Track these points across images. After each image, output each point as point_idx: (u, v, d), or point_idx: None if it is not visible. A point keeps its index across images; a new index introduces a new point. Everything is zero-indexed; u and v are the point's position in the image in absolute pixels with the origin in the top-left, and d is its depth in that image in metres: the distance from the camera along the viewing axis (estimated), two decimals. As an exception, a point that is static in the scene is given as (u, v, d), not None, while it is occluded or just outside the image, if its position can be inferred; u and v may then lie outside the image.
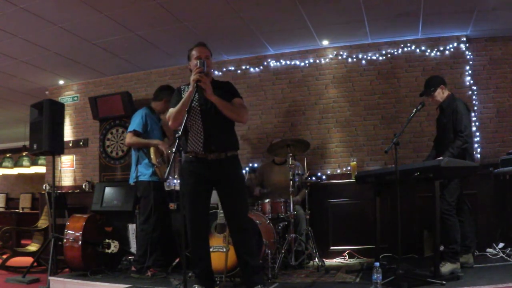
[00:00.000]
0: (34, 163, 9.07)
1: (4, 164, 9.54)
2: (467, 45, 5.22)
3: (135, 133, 4.17)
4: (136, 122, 4.20)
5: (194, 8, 4.47)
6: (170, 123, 3.06)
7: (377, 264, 3.03)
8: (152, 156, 4.13)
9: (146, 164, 4.17)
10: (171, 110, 3.07)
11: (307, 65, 5.68)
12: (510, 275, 3.36)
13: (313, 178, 5.16)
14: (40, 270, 4.87)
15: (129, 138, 4.20)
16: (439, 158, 3.38)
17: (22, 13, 4.33)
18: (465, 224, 3.77)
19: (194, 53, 3.12)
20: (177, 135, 2.63)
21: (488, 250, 4.43)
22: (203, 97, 3.00)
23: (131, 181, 4.28)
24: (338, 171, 5.42)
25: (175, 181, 5.24)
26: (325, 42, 5.52)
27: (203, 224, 3.13)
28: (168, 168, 2.53)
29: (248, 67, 5.88)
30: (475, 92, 5.19)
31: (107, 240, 4.39)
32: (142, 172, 4.19)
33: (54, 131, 4.51)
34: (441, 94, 3.85)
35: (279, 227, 4.33)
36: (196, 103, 3.06)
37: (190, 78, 2.92)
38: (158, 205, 4.13)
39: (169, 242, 4.32)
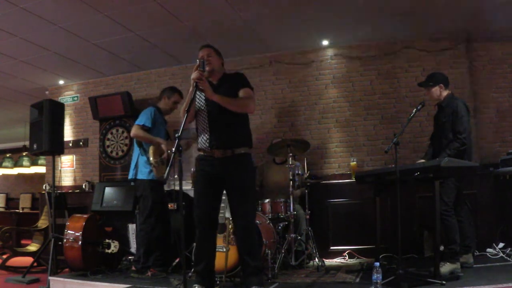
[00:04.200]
0: (34, 163, 9.07)
1: (4, 164, 9.55)
2: (467, 45, 5.22)
3: (144, 127, 4.15)
4: (145, 117, 4.19)
5: (194, 8, 4.46)
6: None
7: (377, 264, 3.02)
8: (150, 156, 4.11)
9: (145, 162, 4.16)
10: (182, 108, 3.14)
11: (307, 65, 5.68)
12: (510, 275, 3.36)
13: (313, 178, 5.16)
14: (40, 270, 4.87)
15: (136, 130, 4.14)
16: (438, 158, 3.38)
17: (22, 13, 4.32)
18: (464, 224, 3.76)
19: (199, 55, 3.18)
20: (176, 135, 2.64)
21: (488, 250, 4.43)
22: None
23: (130, 176, 4.27)
24: (338, 171, 5.42)
25: (175, 181, 5.23)
26: (325, 42, 5.52)
27: (209, 221, 3.14)
28: (168, 168, 2.54)
29: (248, 67, 5.87)
30: (475, 92, 5.19)
31: (107, 240, 4.39)
32: (141, 169, 4.18)
33: (54, 131, 4.51)
34: (437, 92, 3.84)
35: (279, 227, 4.33)
36: (202, 102, 3.10)
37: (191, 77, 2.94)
38: (156, 204, 4.13)
39: (168, 242, 4.32)
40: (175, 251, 4.43)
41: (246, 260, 3.07)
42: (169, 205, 4.63)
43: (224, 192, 3.29)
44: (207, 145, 3.09)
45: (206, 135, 3.10)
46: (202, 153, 3.17)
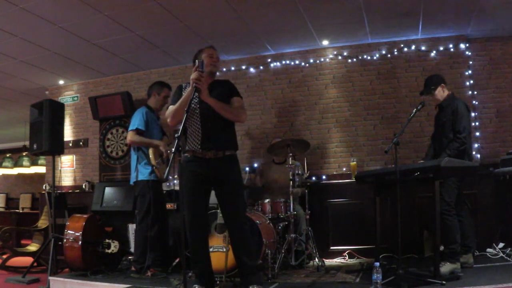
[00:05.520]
0: (34, 163, 9.07)
1: (4, 164, 9.55)
2: (467, 45, 5.22)
3: (138, 131, 4.14)
4: (138, 120, 4.18)
5: (194, 8, 4.46)
6: (168, 120, 3.10)
7: (377, 264, 3.03)
8: (151, 157, 4.11)
9: (145, 164, 4.16)
10: (170, 108, 3.13)
11: (307, 65, 5.68)
12: (510, 275, 3.36)
13: (313, 178, 5.16)
14: (40, 270, 4.87)
15: (131, 136, 4.15)
16: (438, 159, 3.38)
17: (22, 13, 4.32)
18: (465, 224, 3.77)
19: (205, 54, 3.17)
20: (176, 135, 2.64)
21: (488, 250, 4.43)
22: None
23: (132, 181, 4.27)
24: (338, 171, 5.42)
25: (174, 181, 5.24)
26: (325, 42, 5.52)
27: (201, 223, 3.13)
28: (168, 168, 2.53)
29: (248, 67, 5.88)
30: (475, 92, 5.19)
31: (107, 240, 4.40)
32: (141, 171, 4.17)
33: (54, 131, 4.51)
34: (441, 92, 3.85)
35: (279, 227, 4.33)
36: (195, 102, 3.08)
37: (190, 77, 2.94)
38: (155, 204, 4.11)
39: (166, 242, 4.31)
40: (175, 251, 4.43)
41: (243, 260, 3.07)
42: (169, 205, 4.64)
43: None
44: (199, 146, 3.06)
45: (198, 136, 3.07)
46: (189, 154, 3.12)
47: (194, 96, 3.05)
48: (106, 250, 4.36)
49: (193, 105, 3.09)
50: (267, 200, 4.39)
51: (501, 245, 4.42)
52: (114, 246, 4.39)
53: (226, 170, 3.09)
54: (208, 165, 3.06)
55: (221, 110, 3.01)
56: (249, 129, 5.77)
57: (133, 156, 4.27)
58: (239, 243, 3.10)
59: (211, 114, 3.03)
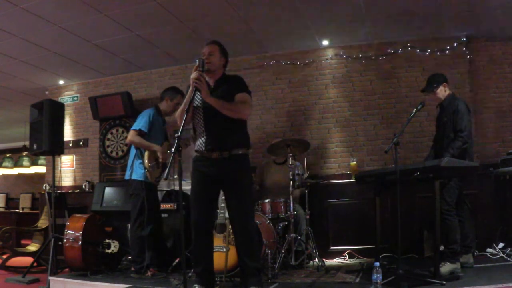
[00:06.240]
0: (34, 163, 9.07)
1: (4, 164, 9.55)
2: (467, 45, 5.22)
3: (140, 132, 4.14)
4: (142, 121, 4.17)
5: (194, 8, 4.47)
6: (178, 122, 3.08)
7: (377, 264, 3.03)
8: (145, 160, 4.11)
9: (140, 163, 4.16)
10: (178, 109, 3.12)
11: (307, 65, 5.68)
12: (510, 275, 3.36)
13: (313, 178, 5.15)
14: (40, 270, 4.87)
15: (132, 136, 4.15)
16: (438, 159, 3.38)
17: (22, 13, 4.33)
18: (465, 224, 3.77)
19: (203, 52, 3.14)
20: (176, 135, 2.64)
21: (488, 250, 4.43)
22: None
23: (126, 177, 4.27)
24: (338, 171, 5.42)
25: (174, 181, 5.23)
26: (325, 42, 5.52)
27: (206, 222, 3.13)
28: (168, 168, 2.53)
29: (248, 67, 5.88)
30: (475, 92, 5.19)
31: (107, 240, 4.39)
32: (136, 170, 4.16)
33: (54, 131, 4.51)
34: (443, 91, 3.84)
35: (279, 227, 4.33)
36: (199, 103, 3.08)
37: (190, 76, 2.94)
38: (148, 205, 4.08)
39: (161, 241, 4.30)
40: (175, 251, 4.42)
41: (244, 261, 3.06)
42: (170, 205, 4.63)
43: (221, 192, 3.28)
44: (203, 148, 3.06)
45: (203, 137, 3.07)
46: (198, 154, 3.14)
47: (199, 97, 3.06)
48: (106, 250, 4.36)
49: (197, 105, 3.09)
50: (267, 200, 4.39)
51: (501, 245, 4.41)
52: (114, 246, 4.39)
53: (232, 170, 3.06)
54: (213, 165, 3.05)
55: (222, 109, 2.98)
56: (249, 129, 5.70)
57: (132, 152, 4.27)
58: (241, 243, 3.10)
59: (214, 113, 3.01)
